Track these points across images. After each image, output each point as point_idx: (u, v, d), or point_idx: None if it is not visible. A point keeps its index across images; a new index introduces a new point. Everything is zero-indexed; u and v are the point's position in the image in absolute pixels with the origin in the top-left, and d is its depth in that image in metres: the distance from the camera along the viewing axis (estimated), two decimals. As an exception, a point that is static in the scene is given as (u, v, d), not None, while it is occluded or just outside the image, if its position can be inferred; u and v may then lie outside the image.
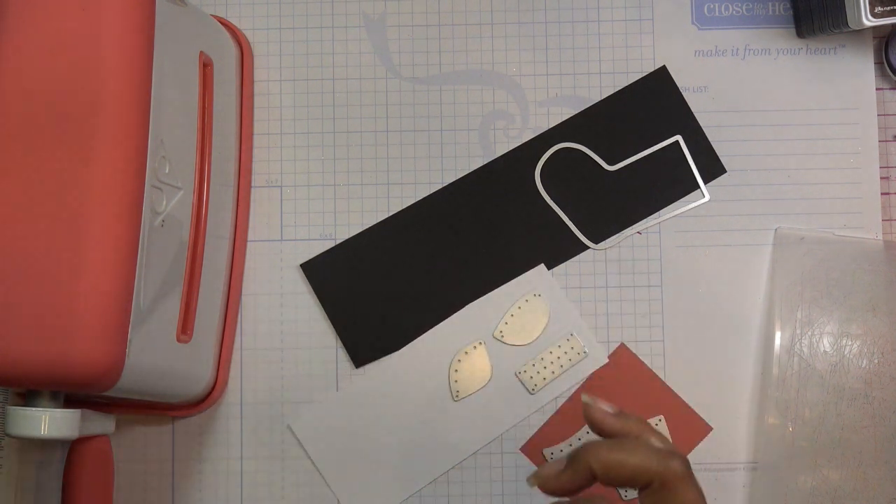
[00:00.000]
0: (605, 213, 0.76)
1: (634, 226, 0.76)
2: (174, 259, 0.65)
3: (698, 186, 0.76)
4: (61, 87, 0.58)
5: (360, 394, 0.75)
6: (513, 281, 0.76)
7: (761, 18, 0.77)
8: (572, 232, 0.76)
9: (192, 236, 0.68)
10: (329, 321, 0.76)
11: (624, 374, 0.75)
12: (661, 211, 0.76)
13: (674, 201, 0.76)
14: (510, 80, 0.77)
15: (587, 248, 0.76)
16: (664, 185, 0.76)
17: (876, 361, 0.72)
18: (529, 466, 0.74)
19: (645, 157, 0.76)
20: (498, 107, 0.77)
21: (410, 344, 0.75)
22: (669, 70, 0.77)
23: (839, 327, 0.73)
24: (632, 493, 0.74)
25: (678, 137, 0.76)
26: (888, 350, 0.73)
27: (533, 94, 0.77)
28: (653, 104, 0.77)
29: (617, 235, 0.76)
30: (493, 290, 0.76)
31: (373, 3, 0.78)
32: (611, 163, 0.76)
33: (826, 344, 0.73)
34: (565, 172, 0.76)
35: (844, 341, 0.73)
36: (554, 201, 0.76)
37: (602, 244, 0.76)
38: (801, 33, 0.77)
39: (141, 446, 0.75)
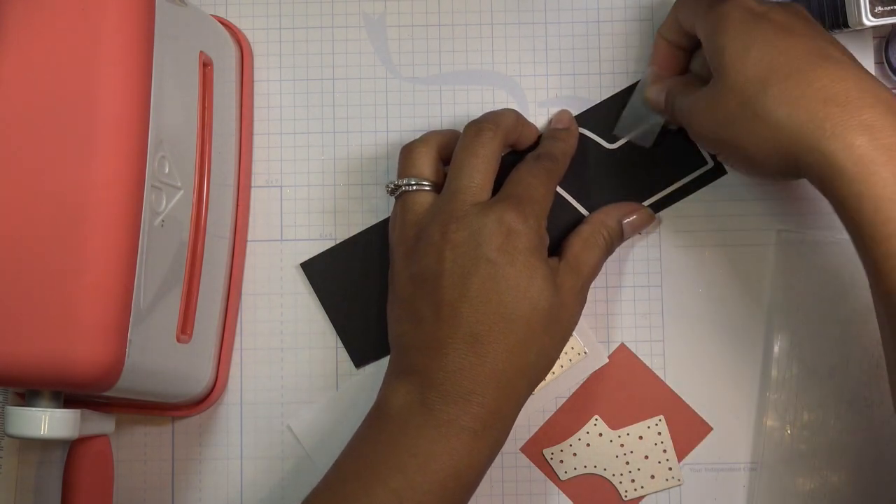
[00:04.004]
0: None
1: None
2: (174, 259, 0.65)
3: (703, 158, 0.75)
4: (61, 86, 0.58)
5: (360, 394, 0.75)
6: (513, 281, 0.76)
7: (761, 18, 0.77)
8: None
9: (192, 236, 0.68)
10: (329, 321, 0.76)
11: (624, 374, 0.75)
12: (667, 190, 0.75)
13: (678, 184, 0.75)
14: (510, 80, 0.77)
15: (587, 248, 0.76)
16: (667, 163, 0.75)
17: (875, 365, 0.72)
18: (530, 466, 0.74)
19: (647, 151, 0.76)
20: (498, 107, 0.77)
21: (410, 344, 0.75)
22: (669, 70, 0.77)
23: (839, 330, 0.73)
24: (632, 493, 0.74)
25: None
26: (888, 350, 0.73)
27: (533, 94, 0.77)
28: (653, 104, 0.77)
29: (617, 235, 0.76)
30: (493, 290, 0.76)
31: (373, 3, 0.78)
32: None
33: (825, 347, 0.73)
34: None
35: (844, 344, 0.73)
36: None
37: (602, 244, 0.76)
38: (801, 33, 0.77)
39: (141, 446, 0.75)
